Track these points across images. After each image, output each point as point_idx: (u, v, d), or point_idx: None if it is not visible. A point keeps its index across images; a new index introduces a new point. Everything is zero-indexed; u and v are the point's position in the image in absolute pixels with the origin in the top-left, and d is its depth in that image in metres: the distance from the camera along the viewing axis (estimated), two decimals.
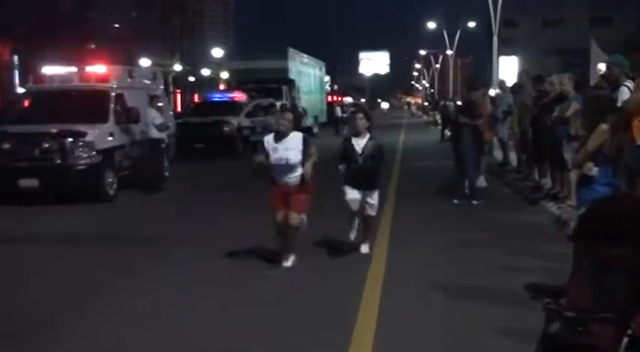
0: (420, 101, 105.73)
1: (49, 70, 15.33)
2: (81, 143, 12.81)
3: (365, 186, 8.01)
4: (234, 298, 6.58)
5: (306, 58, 42.14)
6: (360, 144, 7.97)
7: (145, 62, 47.80)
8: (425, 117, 60.56)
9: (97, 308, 6.37)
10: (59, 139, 12.78)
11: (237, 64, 40.68)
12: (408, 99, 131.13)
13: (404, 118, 64.99)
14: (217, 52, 61.04)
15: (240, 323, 5.88)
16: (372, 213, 8.29)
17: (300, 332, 5.59)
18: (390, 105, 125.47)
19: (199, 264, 7.88)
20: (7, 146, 12.88)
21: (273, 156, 7.56)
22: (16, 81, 52.71)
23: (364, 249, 8.24)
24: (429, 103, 66.14)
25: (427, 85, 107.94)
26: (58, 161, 12.74)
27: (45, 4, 47.60)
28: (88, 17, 51.84)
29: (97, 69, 15.03)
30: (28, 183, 12.53)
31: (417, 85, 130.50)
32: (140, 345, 5.41)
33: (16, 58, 53.82)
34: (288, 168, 7.56)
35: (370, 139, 8.01)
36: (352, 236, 8.25)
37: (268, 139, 7.69)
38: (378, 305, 6.18)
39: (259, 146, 7.78)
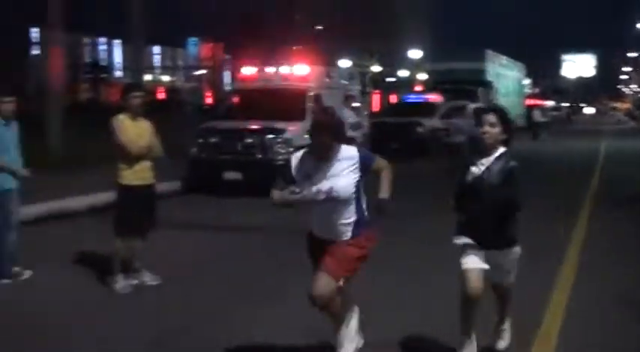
0: (627, 106, 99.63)
1: (254, 69, 16.30)
2: (280, 139, 13.48)
3: (489, 239, 4.65)
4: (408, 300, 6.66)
5: (504, 59, 41.25)
6: (482, 165, 4.65)
7: (344, 63, 49.05)
8: (632, 124, 57.06)
9: (270, 297, 6.77)
10: (260, 135, 13.55)
11: (434, 65, 40.66)
12: (616, 104, 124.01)
13: (609, 124, 61.60)
14: (415, 53, 61.27)
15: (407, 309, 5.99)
16: (507, 280, 4.88)
17: None
18: (596, 111, 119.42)
19: (380, 262, 7.97)
20: (213, 140, 13.86)
21: (305, 189, 4.52)
22: (227, 79, 56.05)
23: None
24: (638, 108, 62.12)
25: (638, 89, 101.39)
26: (259, 156, 13.50)
27: (253, 7, 50.21)
28: (293, 19, 54.02)
29: (298, 69, 15.78)
30: (232, 175, 13.38)
31: (625, 89, 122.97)
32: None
33: (227, 57, 57.17)
34: (332, 209, 4.56)
35: (499, 159, 4.63)
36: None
37: (298, 159, 4.72)
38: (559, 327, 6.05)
39: (281, 171, 4.85)
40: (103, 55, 63.96)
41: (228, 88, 46.29)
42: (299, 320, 5.69)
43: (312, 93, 14.92)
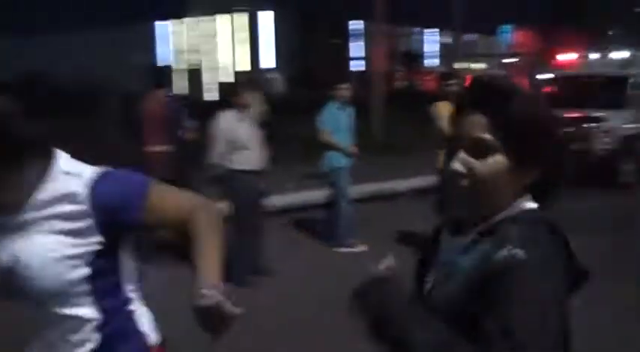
0: None
1: (570, 56, 16.01)
2: (599, 129, 13.13)
3: None
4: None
5: None
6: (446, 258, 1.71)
7: None
8: None
9: None
10: (578, 124, 13.32)
11: None
12: None
13: None
14: None
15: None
16: None
17: None
18: None
19: None
20: None
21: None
22: (540, 67, 54.89)
23: None
24: None
25: None
26: (577, 145, 13.27)
27: None
28: (612, 1, 51.24)
29: (617, 54, 15.21)
30: None
31: None
32: None
33: (540, 44, 55.94)
34: (41, 313, 2.00)
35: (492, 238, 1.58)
36: None
37: None
38: None
39: None
40: (416, 45, 66.06)
41: (540, 75, 45.44)
42: None
43: (632, 80, 14.29)
